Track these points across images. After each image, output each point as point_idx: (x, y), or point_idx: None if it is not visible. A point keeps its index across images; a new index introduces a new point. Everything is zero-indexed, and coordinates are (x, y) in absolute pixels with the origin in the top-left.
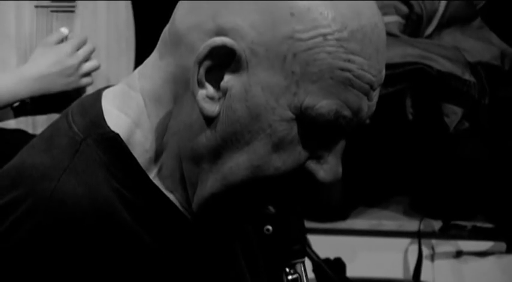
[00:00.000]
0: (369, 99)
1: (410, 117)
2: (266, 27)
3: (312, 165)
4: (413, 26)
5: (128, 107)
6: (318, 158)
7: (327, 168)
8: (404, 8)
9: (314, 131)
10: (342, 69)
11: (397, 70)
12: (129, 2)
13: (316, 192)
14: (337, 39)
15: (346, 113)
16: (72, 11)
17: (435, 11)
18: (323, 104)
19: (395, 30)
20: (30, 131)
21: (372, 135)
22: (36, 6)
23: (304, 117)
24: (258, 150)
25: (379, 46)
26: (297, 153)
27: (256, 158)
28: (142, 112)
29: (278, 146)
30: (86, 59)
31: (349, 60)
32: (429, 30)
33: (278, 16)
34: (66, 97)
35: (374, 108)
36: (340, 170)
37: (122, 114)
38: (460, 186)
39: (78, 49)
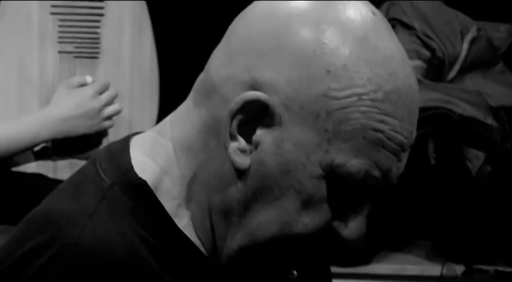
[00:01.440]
0: (399, 160)
1: (432, 161)
2: (301, 84)
3: (337, 223)
4: (435, 70)
5: (156, 154)
6: (344, 216)
7: (352, 226)
8: (426, 53)
9: (342, 189)
10: (375, 130)
11: (419, 115)
12: (155, 49)
13: (340, 246)
14: (372, 100)
15: (376, 173)
16: (96, 58)
17: (457, 56)
18: (353, 163)
19: (418, 75)
20: (51, 175)
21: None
22: (60, 52)
23: (333, 176)
24: (287, 206)
25: (412, 108)
26: (325, 211)
27: (285, 213)
28: (171, 160)
29: (307, 202)
30: (109, 103)
31: (382, 121)
32: (451, 74)
33: (314, 72)
34: (87, 141)
35: (402, 169)
36: (364, 227)
37: (151, 161)
38: (482, 230)
39: (100, 93)
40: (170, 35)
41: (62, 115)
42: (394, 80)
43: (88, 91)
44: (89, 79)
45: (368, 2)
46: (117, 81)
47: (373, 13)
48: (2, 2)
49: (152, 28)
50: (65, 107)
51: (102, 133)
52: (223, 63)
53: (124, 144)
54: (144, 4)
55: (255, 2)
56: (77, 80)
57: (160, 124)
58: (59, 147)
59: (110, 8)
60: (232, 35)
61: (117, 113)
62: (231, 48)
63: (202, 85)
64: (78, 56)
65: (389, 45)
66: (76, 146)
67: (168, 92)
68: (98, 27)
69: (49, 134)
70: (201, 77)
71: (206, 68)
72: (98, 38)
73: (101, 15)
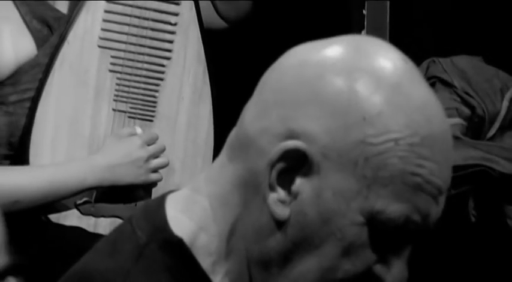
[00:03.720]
0: (437, 204)
1: (473, 219)
2: (338, 132)
3: (379, 269)
4: (475, 128)
5: (192, 211)
6: (385, 262)
7: (394, 273)
8: (466, 111)
9: (383, 235)
10: (413, 174)
11: (459, 172)
12: (212, 121)
13: None
14: (409, 144)
15: (416, 217)
16: (151, 121)
17: (497, 113)
18: (394, 208)
19: (458, 133)
20: (91, 230)
21: (434, 237)
22: (114, 110)
23: (374, 221)
24: (328, 253)
25: (447, 152)
26: (366, 257)
27: (325, 261)
28: (207, 216)
29: (348, 249)
30: (156, 155)
31: (420, 166)
32: (491, 132)
33: (350, 120)
34: (133, 195)
35: (440, 213)
36: (406, 274)
37: (186, 218)
38: None
39: (149, 144)
40: (230, 107)
41: (109, 162)
42: (429, 124)
43: (136, 141)
44: (138, 130)
45: (398, 51)
46: (170, 148)
47: (404, 61)
48: (61, 52)
49: (212, 99)
50: (113, 155)
51: (149, 190)
52: (257, 116)
53: (159, 202)
54: (206, 74)
55: (285, 54)
56: (126, 130)
57: (195, 181)
58: (105, 197)
59: (170, 73)
60: (264, 87)
61: (164, 166)
62: (265, 100)
63: (237, 139)
64: (133, 117)
65: (422, 91)
66: (121, 198)
67: None
68: (156, 90)
69: (95, 180)
70: (235, 131)
71: (239, 122)
72: (155, 102)
73: (161, 79)
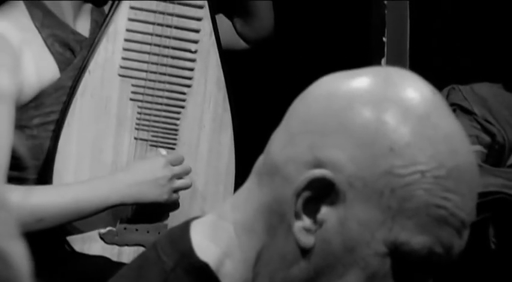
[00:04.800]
0: (460, 237)
1: (493, 246)
2: (365, 162)
3: None
4: (495, 155)
5: (218, 238)
6: None
7: None
8: (486, 138)
9: (406, 266)
10: (438, 207)
11: (479, 200)
12: (233, 148)
13: None
14: (435, 177)
15: (439, 250)
16: (172, 148)
17: None
18: (417, 240)
19: (478, 160)
20: (115, 259)
21: (454, 265)
22: (136, 138)
23: (397, 252)
24: None
25: (473, 184)
26: None
27: None
28: (233, 242)
29: (371, 279)
30: (180, 176)
31: (445, 198)
32: (511, 159)
33: (377, 151)
34: (155, 216)
35: (463, 246)
36: None
37: (212, 244)
38: None
39: (173, 165)
40: (251, 132)
41: (132, 180)
42: (455, 156)
43: (161, 160)
44: (162, 152)
45: (425, 81)
46: (192, 175)
47: (432, 92)
48: (83, 80)
49: (233, 125)
50: (135, 173)
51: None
52: (284, 144)
53: (184, 228)
54: (226, 100)
55: (312, 85)
56: (151, 155)
57: (220, 207)
58: (129, 216)
59: (191, 101)
60: (292, 116)
61: (187, 187)
62: (292, 129)
63: (263, 167)
64: (154, 145)
65: (449, 122)
66: (144, 218)
67: None
68: (177, 118)
69: (119, 198)
70: (261, 159)
71: (266, 149)
72: (176, 129)
73: (182, 107)
